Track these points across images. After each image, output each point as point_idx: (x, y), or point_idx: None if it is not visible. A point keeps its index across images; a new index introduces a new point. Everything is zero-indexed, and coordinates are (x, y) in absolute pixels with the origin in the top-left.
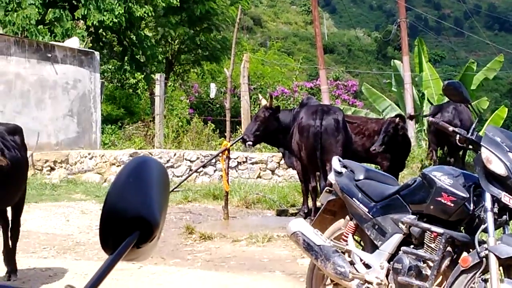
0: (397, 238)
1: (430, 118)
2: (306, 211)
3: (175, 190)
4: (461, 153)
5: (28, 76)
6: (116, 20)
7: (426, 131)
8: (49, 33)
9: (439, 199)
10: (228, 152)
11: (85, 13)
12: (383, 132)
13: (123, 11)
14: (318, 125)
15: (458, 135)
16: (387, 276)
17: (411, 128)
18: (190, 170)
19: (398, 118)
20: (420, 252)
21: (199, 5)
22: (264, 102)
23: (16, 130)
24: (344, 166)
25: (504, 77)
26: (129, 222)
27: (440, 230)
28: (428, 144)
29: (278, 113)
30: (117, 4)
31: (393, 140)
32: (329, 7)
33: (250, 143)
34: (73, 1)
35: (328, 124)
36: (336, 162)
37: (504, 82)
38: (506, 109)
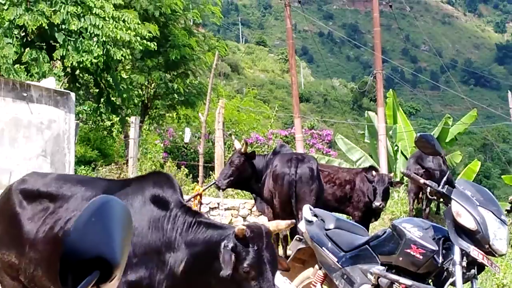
0: None
1: (403, 170)
2: None
3: None
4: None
5: (2, 114)
6: (95, 61)
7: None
8: (26, 73)
9: (408, 251)
10: (200, 197)
11: (64, 54)
12: (381, 187)
13: (101, 53)
14: (293, 173)
15: (429, 188)
16: None
17: None
18: None
19: (372, 169)
20: None
21: (175, 50)
22: (237, 145)
23: None
24: (315, 215)
25: (478, 132)
26: (89, 261)
27: (408, 282)
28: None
29: (253, 159)
30: (96, 45)
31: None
32: (306, 56)
33: (223, 187)
34: (51, 42)
35: (303, 173)
36: (307, 211)
37: (478, 137)
38: (479, 163)
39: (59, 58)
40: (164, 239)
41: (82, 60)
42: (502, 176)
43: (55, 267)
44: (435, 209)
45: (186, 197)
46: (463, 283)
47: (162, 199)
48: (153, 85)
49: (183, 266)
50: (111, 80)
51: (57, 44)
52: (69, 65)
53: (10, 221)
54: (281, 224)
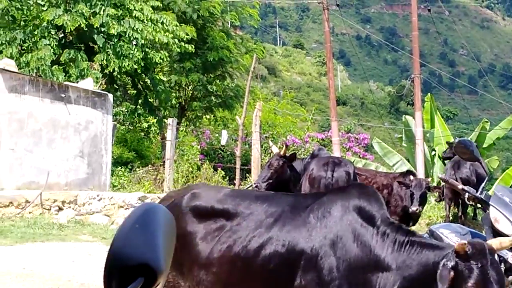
0: None
1: (440, 175)
2: None
3: None
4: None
5: (40, 115)
6: (136, 66)
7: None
8: (64, 73)
9: None
10: None
11: (103, 58)
12: (419, 191)
13: (141, 57)
14: (329, 177)
15: (467, 194)
16: None
17: None
18: None
19: (409, 174)
20: None
21: (212, 52)
22: (275, 149)
23: None
24: None
25: None
26: (133, 268)
27: None
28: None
29: (293, 161)
30: (135, 49)
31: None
32: (343, 59)
33: (263, 190)
34: (89, 43)
35: (339, 176)
36: None
37: None
38: None
39: (100, 63)
40: (372, 256)
41: (124, 65)
42: None
43: None
44: (472, 215)
45: None
46: None
47: (368, 212)
48: (190, 87)
49: None
50: (149, 82)
51: (96, 46)
52: (110, 71)
53: (179, 242)
54: (504, 242)
